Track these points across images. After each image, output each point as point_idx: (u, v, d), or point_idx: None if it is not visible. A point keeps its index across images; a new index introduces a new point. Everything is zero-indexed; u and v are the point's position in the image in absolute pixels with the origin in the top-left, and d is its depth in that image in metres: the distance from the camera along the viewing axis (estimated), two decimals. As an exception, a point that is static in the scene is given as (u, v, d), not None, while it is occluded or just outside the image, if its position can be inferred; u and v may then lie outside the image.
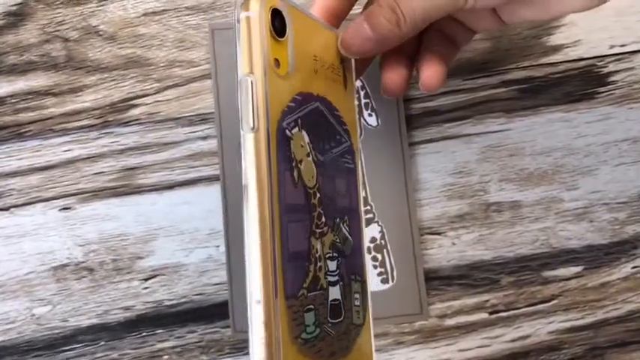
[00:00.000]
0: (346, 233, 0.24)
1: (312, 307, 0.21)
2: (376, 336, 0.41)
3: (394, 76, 0.32)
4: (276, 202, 0.22)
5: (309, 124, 0.25)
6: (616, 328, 0.42)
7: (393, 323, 0.41)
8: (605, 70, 0.44)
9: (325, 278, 0.22)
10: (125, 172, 0.40)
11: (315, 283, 0.22)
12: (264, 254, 0.21)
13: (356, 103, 0.32)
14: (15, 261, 0.39)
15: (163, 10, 0.43)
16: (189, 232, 0.40)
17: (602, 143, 0.43)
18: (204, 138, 0.41)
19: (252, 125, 0.22)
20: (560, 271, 0.42)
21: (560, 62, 0.44)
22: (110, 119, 0.41)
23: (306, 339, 0.20)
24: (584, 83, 0.44)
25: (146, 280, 0.40)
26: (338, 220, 0.24)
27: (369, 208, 0.41)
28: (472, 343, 0.41)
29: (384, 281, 0.41)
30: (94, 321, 0.39)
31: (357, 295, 0.24)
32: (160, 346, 0.40)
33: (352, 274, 0.23)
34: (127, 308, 0.40)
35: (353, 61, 0.32)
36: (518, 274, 0.42)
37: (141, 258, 0.40)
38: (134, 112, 0.41)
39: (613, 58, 0.44)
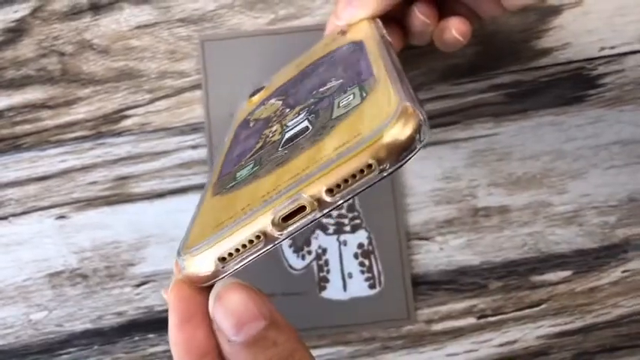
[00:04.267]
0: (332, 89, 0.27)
1: (248, 164, 0.26)
2: (363, 340, 0.41)
3: (426, 11, 0.35)
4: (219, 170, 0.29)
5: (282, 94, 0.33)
6: (605, 332, 0.41)
7: (381, 328, 0.41)
8: (595, 73, 0.43)
9: (281, 135, 0.26)
10: (118, 182, 0.42)
11: (256, 152, 0.26)
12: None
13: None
14: (13, 268, 0.41)
15: (155, 23, 0.44)
16: (180, 238, 0.41)
17: (593, 146, 0.43)
18: (194, 147, 0.42)
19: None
20: (549, 276, 0.42)
21: (550, 65, 0.44)
22: (103, 130, 0.42)
23: (239, 180, 0.25)
24: (574, 86, 0.43)
25: (138, 286, 0.41)
26: (311, 100, 0.27)
27: (356, 214, 0.42)
28: (460, 347, 0.41)
29: (372, 286, 0.41)
30: (88, 326, 0.41)
31: (348, 96, 0.24)
32: (151, 350, 0.41)
33: (340, 92, 0.25)
34: (119, 313, 0.41)
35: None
36: (507, 279, 0.42)
37: (133, 265, 0.41)
38: (126, 122, 0.42)
39: (603, 61, 0.43)
